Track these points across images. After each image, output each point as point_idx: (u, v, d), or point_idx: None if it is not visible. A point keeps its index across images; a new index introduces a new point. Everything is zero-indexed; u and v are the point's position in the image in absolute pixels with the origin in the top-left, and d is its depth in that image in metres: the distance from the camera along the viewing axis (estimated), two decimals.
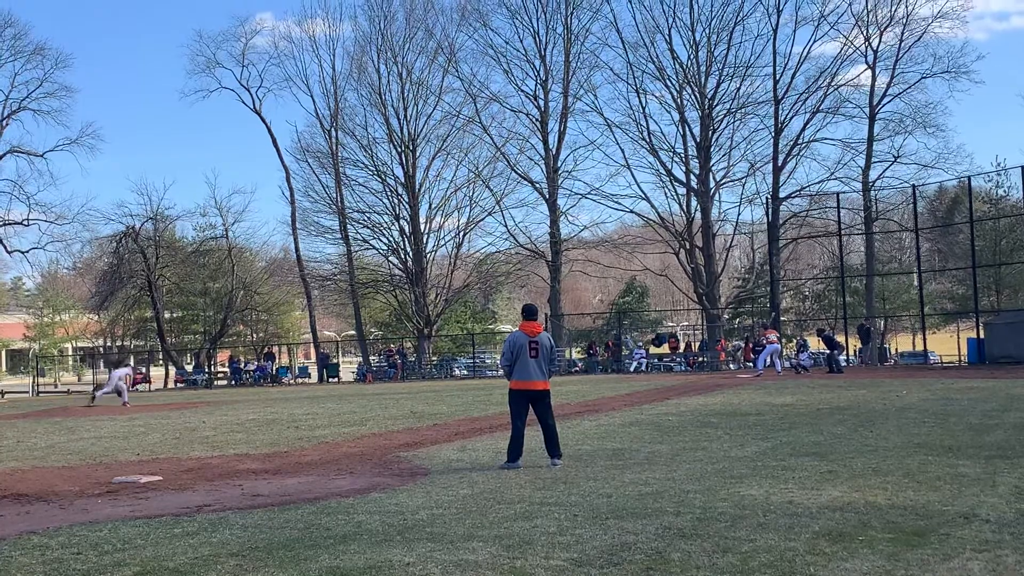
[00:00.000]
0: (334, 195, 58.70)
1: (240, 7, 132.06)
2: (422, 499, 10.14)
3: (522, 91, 57.12)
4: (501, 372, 14.47)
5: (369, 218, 58.84)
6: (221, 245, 64.15)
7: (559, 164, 56.14)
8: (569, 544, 7.53)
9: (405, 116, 57.24)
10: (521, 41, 56.76)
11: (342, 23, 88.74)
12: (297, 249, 61.63)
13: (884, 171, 52.04)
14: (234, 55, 65.19)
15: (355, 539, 8.03)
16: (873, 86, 52.40)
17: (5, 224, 62.78)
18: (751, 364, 40.05)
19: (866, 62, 52.58)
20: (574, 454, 13.46)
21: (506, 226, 57.53)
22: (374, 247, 60.30)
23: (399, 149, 57.50)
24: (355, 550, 7.56)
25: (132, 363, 44.02)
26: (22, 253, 64.38)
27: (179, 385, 55.73)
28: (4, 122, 61.31)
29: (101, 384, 35.31)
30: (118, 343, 68.17)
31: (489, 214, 57.95)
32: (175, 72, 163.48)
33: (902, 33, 51.39)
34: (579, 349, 59.45)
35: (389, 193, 57.93)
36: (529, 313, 13.11)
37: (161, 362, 64.99)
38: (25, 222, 62.43)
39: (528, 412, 12.77)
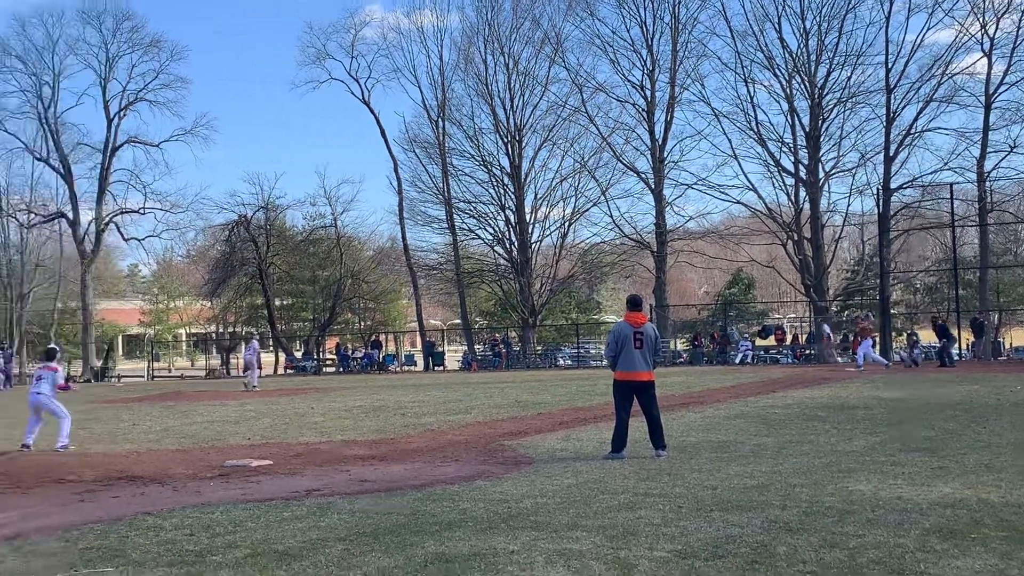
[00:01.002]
0: (441, 185, 58.96)
1: None
2: (526, 488, 10.20)
3: (628, 81, 56.67)
4: (606, 362, 14.46)
5: (475, 208, 59.01)
6: (330, 234, 65.04)
7: (665, 154, 55.64)
8: (673, 535, 7.52)
9: (511, 106, 57.27)
10: (628, 31, 56.35)
11: (449, 14, 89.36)
12: (404, 238, 62.07)
13: (1000, 161, 50.36)
14: (343, 46, 65.76)
15: (460, 526, 8.12)
16: (989, 74, 50.75)
17: (122, 212, 64.75)
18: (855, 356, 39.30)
19: (982, 50, 50.97)
20: (679, 445, 13.41)
21: (611, 216, 57.25)
22: (480, 237, 60.50)
23: (505, 139, 57.59)
24: (460, 537, 7.65)
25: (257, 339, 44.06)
26: (138, 241, 66.62)
27: (288, 371, 56.77)
28: (122, 113, 63.19)
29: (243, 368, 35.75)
30: (230, 329, 69.54)
31: (594, 204, 57.71)
32: (286, 63, 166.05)
33: (1020, 20, 49.67)
34: (684, 340, 58.96)
35: (495, 183, 58.11)
36: (634, 304, 13.07)
37: (271, 349, 66.21)
38: (141, 210, 64.41)
39: (632, 403, 12.76)
